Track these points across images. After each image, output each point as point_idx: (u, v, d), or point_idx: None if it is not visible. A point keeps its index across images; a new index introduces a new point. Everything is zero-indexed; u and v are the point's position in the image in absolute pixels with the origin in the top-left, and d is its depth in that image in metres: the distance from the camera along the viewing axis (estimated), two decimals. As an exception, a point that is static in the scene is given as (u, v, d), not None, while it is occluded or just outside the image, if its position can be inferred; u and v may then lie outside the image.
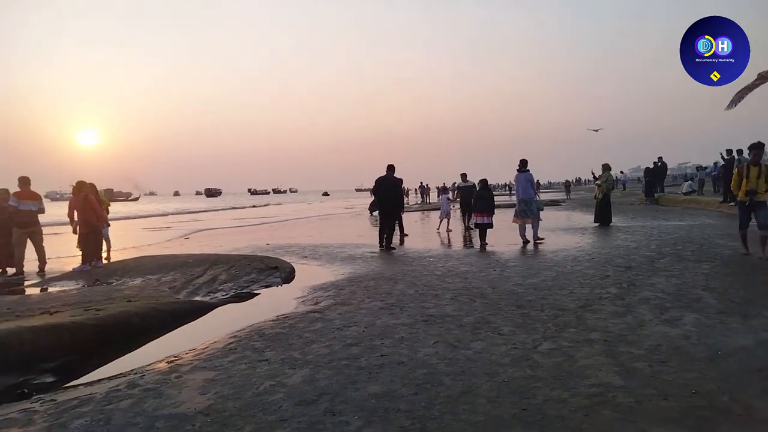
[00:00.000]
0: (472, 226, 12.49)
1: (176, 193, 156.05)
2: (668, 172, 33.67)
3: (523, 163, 10.99)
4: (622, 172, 43.15)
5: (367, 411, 2.84)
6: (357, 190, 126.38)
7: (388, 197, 11.01)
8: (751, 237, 7.41)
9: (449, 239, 12.73)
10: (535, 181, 11.21)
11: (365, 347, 4.01)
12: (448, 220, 15.08)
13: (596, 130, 28.13)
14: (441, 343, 4.01)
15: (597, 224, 13.60)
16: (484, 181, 11.81)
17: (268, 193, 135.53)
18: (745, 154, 16.28)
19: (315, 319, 4.98)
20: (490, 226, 10.91)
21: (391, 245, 10.68)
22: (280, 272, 7.83)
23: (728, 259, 7.11)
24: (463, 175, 15.44)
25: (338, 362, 3.69)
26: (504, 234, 11.96)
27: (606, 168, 14.19)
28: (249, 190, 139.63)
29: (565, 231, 12.71)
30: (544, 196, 24.10)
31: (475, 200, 11.46)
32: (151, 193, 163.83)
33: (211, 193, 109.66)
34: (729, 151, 16.17)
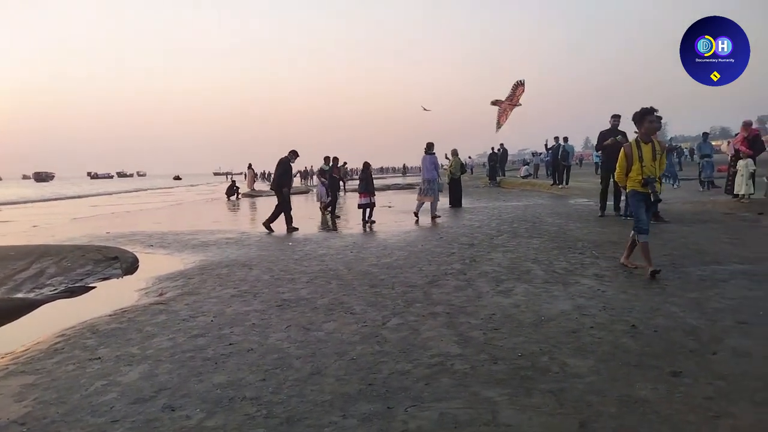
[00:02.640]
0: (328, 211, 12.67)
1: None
2: (509, 158, 36.86)
3: (430, 146, 11.94)
4: (470, 157, 46.25)
5: (210, 402, 2.72)
6: (215, 174, 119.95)
7: (274, 178, 11.12)
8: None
9: (315, 223, 12.65)
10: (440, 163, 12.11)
11: (213, 337, 3.84)
12: (324, 202, 14.79)
13: (426, 110, 30.24)
14: (293, 327, 3.99)
15: (450, 206, 14.39)
16: (366, 164, 12.37)
17: (112, 177, 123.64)
18: (571, 141, 18.49)
19: (158, 311, 4.66)
20: (372, 205, 11.53)
21: (292, 227, 10.48)
22: (120, 263, 7.18)
23: (554, 235, 7.97)
24: (326, 159, 15.44)
25: (182, 355, 3.49)
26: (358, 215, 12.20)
27: (454, 153, 15.12)
28: (89, 174, 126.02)
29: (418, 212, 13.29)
30: (401, 180, 25.08)
31: (359, 182, 12.01)
32: None
33: (42, 177, 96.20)
34: (557, 138, 18.15)
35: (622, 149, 5.41)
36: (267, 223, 10.59)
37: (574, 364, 3.01)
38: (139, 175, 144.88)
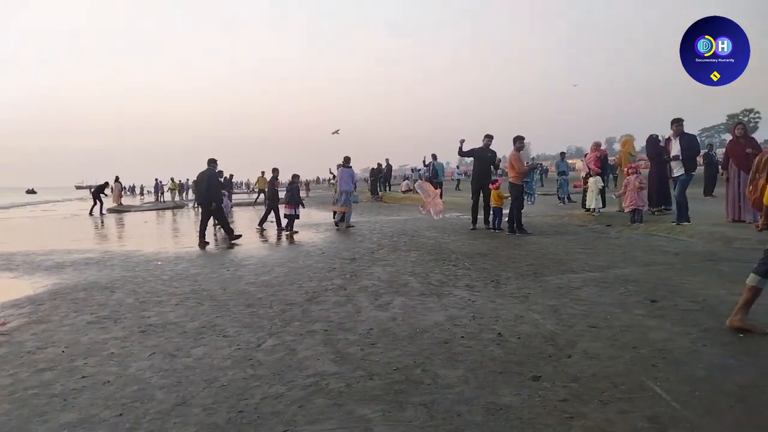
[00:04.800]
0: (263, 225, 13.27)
1: None
2: (392, 173, 37.91)
3: (347, 160, 12.94)
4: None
5: (54, 446, 2.41)
6: (77, 187, 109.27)
7: (200, 191, 10.92)
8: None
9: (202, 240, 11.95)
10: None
11: (63, 370, 3.44)
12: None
13: (336, 132, 30.93)
14: (158, 354, 3.69)
15: (335, 221, 14.42)
16: (294, 176, 12.92)
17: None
18: (440, 159, 19.50)
19: (-3, 344, 4.09)
20: (297, 216, 12.15)
21: (215, 239, 10.92)
22: (-48, 289, 6.24)
23: (431, 248, 8.28)
24: (220, 173, 15.20)
25: (23, 392, 3.07)
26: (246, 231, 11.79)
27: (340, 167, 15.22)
28: None
29: (301, 227, 13.15)
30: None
31: (285, 193, 12.45)
32: None
33: None
34: (434, 155, 19.08)
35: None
36: (231, 237, 10.59)
37: (445, 375, 3.10)
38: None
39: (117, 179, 27.59)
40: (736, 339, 3.51)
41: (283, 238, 11.30)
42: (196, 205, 26.03)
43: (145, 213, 23.59)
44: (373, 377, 3.10)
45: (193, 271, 7.20)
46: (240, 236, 10.67)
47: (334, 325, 4.27)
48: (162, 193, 35.67)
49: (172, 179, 28.73)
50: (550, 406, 2.63)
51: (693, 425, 2.40)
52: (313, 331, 4.13)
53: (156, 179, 37.40)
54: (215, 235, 12.25)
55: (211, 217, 11.47)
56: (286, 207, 12.19)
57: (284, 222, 12.27)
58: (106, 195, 23.06)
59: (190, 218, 19.40)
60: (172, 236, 13.14)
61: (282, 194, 13.26)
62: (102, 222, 18.58)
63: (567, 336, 3.74)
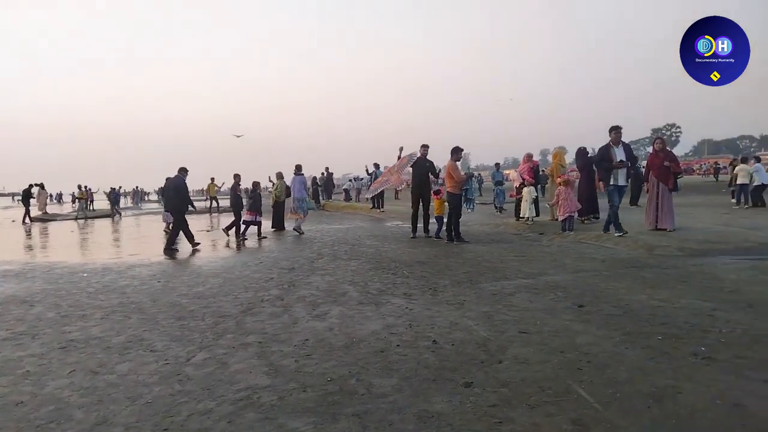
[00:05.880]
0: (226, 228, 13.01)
1: None
2: (334, 182, 37.82)
3: (299, 168, 13.62)
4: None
5: (-45, 476, 2.23)
6: None
7: (169, 198, 11.07)
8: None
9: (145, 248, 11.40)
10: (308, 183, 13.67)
11: (-31, 392, 3.19)
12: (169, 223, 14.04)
13: (239, 136, 30.70)
14: (79, 372, 3.50)
15: (273, 229, 14.22)
16: (255, 184, 13.08)
17: None
18: (383, 167, 19.63)
19: None
20: (259, 223, 12.29)
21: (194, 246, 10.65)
22: None
23: (371, 257, 8.30)
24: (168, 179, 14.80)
25: None
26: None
27: (279, 176, 14.98)
28: None
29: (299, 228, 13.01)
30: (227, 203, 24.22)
31: (247, 200, 12.65)
32: None
33: None
34: (377, 165, 19.19)
35: None
36: (192, 243, 10.69)
37: (379, 384, 3.10)
38: None
39: (42, 186, 26.08)
40: (656, 342, 3.71)
41: (229, 244, 11.03)
42: (118, 216, 24.92)
43: (73, 222, 22.39)
44: (306, 389, 3.06)
45: (122, 282, 6.88)
46: (177, 251, 10.24)
47: (268, 336, 4.19)
48: (92, 202, 33.85)
49: (79, 186, 26.62)
50: (480, 412, 2.68)
51: (613, 426, 2.50)
52: (247, 343, 4.03)
53: (86, 187, 35.53)
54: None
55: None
56: (247, 213, 12.35)
57: (237, 227, 12.38)
58: (33, 197, 21.79)
59: (118, 228, 18.59)
60: (101, 246, 12.50)
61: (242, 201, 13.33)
62: (27, 231, 17.45)
63: (499, 342, 3.83)
